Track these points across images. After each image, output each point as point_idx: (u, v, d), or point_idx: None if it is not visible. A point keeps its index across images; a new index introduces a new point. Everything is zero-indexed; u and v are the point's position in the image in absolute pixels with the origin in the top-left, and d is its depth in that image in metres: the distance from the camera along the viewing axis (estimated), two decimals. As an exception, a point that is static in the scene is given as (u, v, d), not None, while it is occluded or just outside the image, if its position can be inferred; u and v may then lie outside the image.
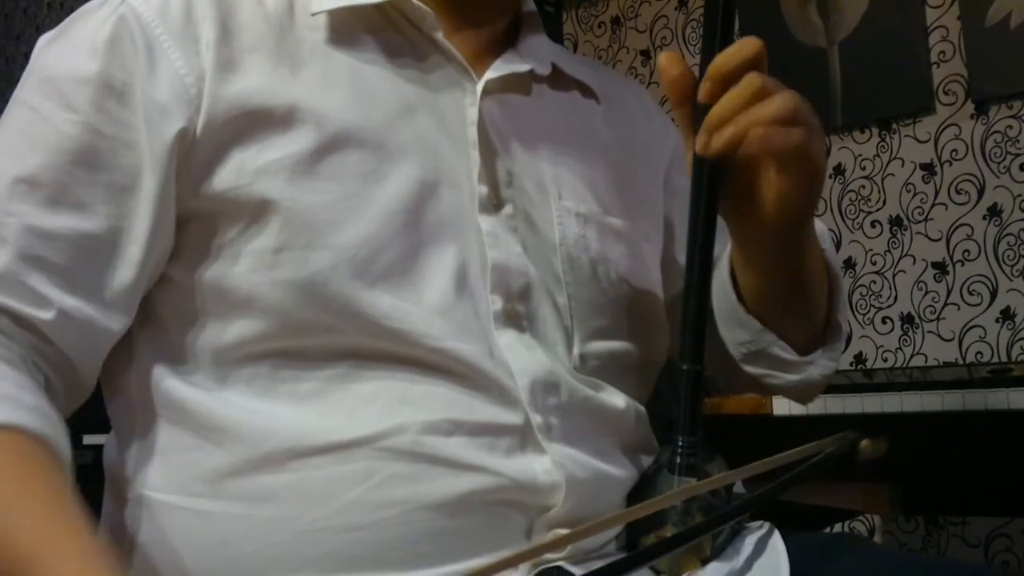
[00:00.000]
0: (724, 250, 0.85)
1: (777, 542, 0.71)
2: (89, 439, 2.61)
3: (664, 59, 0.72)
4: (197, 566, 0.68)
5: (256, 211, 0.69)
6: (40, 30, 0.77)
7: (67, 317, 0.68)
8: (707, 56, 0.71)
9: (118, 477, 0.74)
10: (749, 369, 0.88)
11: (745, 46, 0.70)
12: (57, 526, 0.60)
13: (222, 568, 0.67)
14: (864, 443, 0.69)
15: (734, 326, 0.86)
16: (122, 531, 0.72)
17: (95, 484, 0.79)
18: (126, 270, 0.70)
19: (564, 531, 0.68)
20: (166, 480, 0.70)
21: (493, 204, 0.76)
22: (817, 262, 0.82)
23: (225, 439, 0.68)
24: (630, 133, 0.90)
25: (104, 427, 0.78)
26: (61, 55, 0.72)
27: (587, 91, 0.89)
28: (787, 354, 0.85)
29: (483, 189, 0.75)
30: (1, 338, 0.66)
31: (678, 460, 0.71)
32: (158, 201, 0.70)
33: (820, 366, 0.86)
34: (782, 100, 0.69)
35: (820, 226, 0.84)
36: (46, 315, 0.67)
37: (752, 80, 0.69)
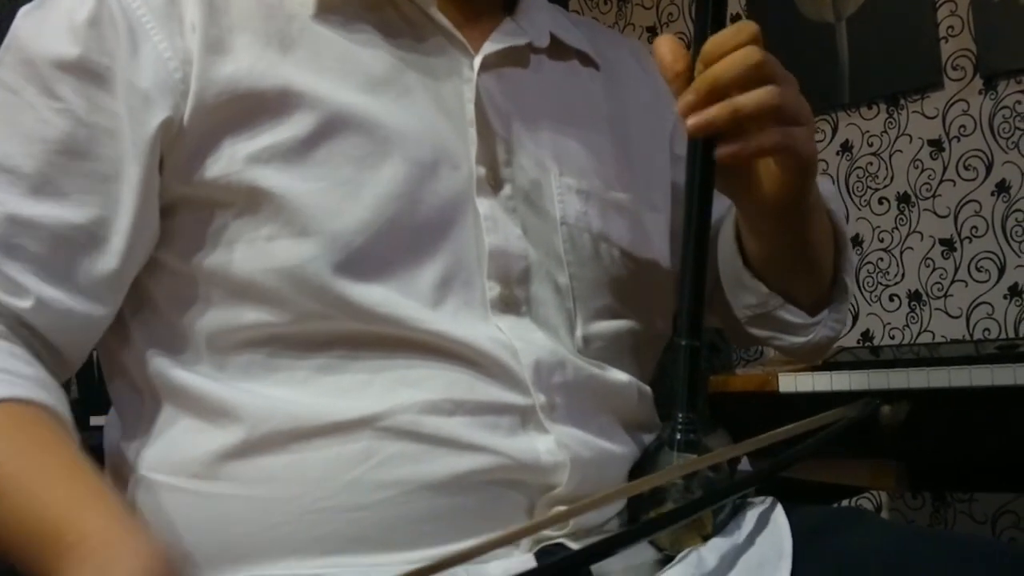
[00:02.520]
0: (729, 211, 0.85)
1: (780, 516, 0.71)
2: (97, 420, 2.63)
3: (657, 42, 0.72)
4: (199, 548, 0.68)
5: (248, 199, 0.68)
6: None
7: (45, 306, 0.68)
8: (700, 33, 0.71)
9: (119, 458, 0.74)
10: (754, 331, 0.89)
11: (741, 29, 0.69)
12: (79, 490, 0.61)
13: (224, 549, 0.67)
14: (885, 408, 0.69)
15: (740, 290, 0.85)
16: None
17: (103, 465, 0.79)
18: (108, 260, 0.69)
19: (563, 508, 0.68)
20: (167, 462, 0.70)
21: (491, 185, 0.75)
22: (823, 224, 0.82)
23: (225, 421, 0.68)
24: (632, 99, 0.89)
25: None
26: (40, 33, 0.70)
27: (586, 59, 0.87)
28: (794, 317, 0.85)
29: (481, 170, 0.74)
30: None
31: (678, 436, 0.71)
32: (141, 189, 0.69)
33: (827, 327, 0.86)
34: (768, 94, 0.68)
35: (828, 187, 0.84)
36: (23, 303, 0.67)
37: (752, 54, 0.68)
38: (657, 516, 0.65)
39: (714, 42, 0.69)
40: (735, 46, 0.68)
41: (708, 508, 0.67)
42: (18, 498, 0.61)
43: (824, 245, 0.83)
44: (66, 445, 0.64)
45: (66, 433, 0.65)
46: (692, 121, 0.69)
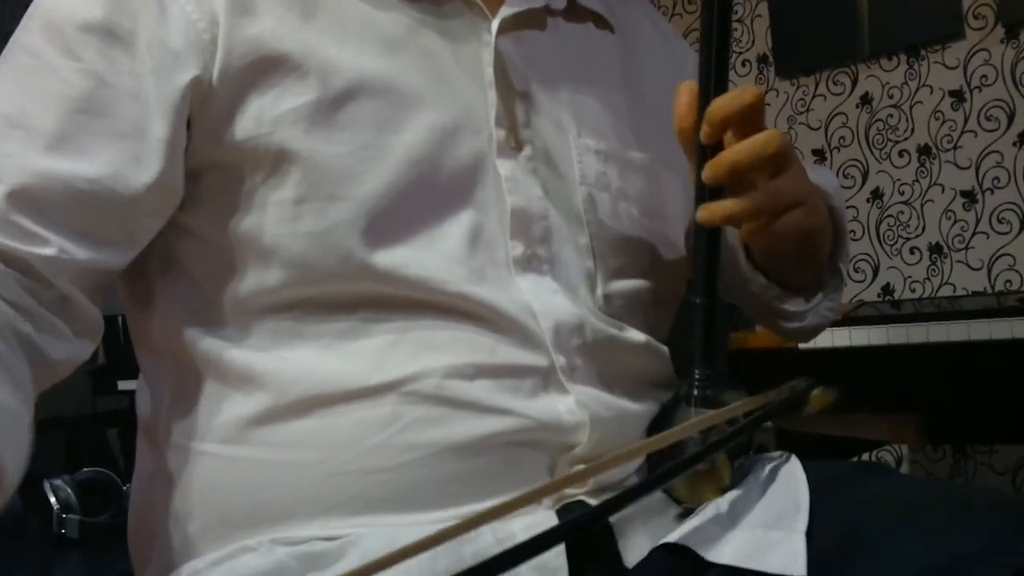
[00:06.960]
0: None
1: (796, 470, 0.72)
2: (124, 384, 2.68)
3: (680, 88, 0.73)
4: (230, 510, 0.70)
5: (276, 161, 0.69)
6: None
7: (64, 254, 0.67)
8: (704, 84, 0.71)
9: (149, 425, 0.75)
10: (748, 311, 0.92)
11: (744, 94, 0.70)
12: None
13: (254, 512, 0.69)
14: (815, 392, 0.70)
15: (738, 278, 0.87)
16: (157, 476, 0.74)
17: (132, 428, 0.81)
18: (125, 213, 0.69)
19: (583, 466, 0.69)
20: (197, 428, 0.71)
21: (511, 147, 0.76)
22: (826, 226, 0.83)
23: (251, 387, 0.69)
24: (647, 60, 0.90)
25: (137, 373, 0.80)
26: (65, 0, 0.70)
27: (602, 21, 0.88)
28: (790, 306, 0.87)
29: (500, 132, 0.75)
30: None
31: (695, 393, 0.72)
32: (167, 148, 0.69)
33: (818, 314, 0.88)
34: (781, 186, 0.70)
35: (831, 182, 0.84)
36: (45, 251, 0.66)
37: (770, 143, 0.69)
38: (667, 467, 0.66)
39: (718, 106, 0.70)
40: (739, 109, 0.69)
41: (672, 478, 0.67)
42: None
43: (825, 245, 0.84)
44: None
45: None
46: (703, 215, 0.71)
